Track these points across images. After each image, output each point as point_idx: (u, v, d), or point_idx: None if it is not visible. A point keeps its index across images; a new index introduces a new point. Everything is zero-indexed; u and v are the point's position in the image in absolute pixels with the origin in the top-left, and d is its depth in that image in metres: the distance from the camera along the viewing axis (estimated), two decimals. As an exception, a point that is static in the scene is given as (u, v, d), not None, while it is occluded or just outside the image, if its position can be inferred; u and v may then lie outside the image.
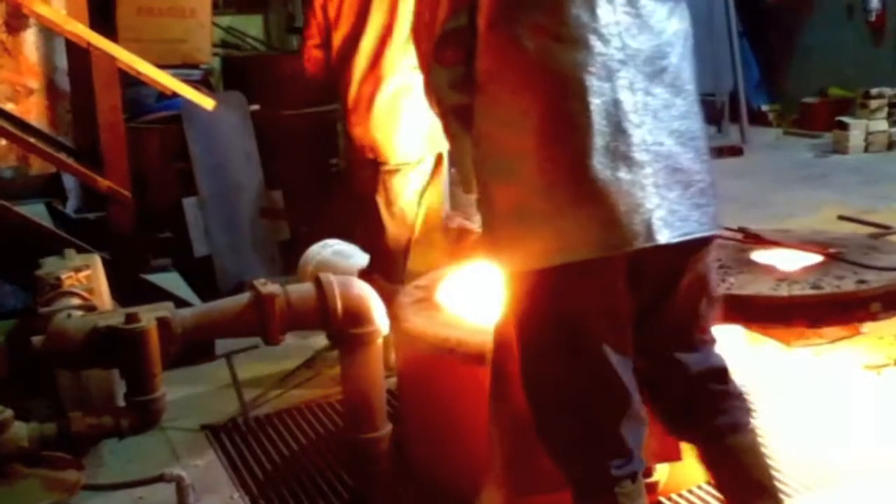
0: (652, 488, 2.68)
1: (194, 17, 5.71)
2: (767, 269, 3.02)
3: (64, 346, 2.43)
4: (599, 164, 1.93)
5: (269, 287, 2.59)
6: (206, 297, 3.98)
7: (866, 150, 8.22)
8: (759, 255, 3.18)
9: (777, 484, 2.30)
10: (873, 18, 8.90)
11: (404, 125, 3.54)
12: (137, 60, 4.08)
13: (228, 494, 3.05)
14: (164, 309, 2.53)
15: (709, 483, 2.59)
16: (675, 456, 2.45)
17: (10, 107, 4.63)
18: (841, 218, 3.96)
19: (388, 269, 3.70)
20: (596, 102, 1.94)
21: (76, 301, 2.83)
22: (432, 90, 2.24)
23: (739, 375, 3.07)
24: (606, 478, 2.07)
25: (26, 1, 4.01)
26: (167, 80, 4.21)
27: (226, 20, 7.24)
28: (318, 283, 2.64)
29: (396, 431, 2.86)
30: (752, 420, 2.24)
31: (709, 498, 2.87)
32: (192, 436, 3.45)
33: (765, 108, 9.71)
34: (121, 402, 2.58)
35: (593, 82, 1.94)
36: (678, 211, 1.99)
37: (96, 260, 3.30)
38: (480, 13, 2.05)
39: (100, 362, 2.51)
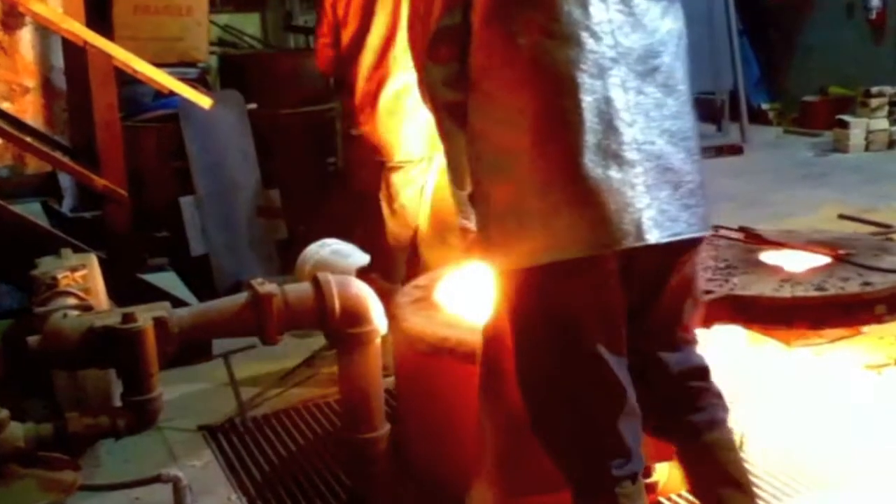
0: (652, 488, 2.68)
1: (191, 15, 5.69)
2: (773, 270, 3.00)
3: (60, 345, 2.42)
4: (591, 162, 1.93)
5: (267, 286, 2.58)
6: (203, 296, 3.97)
7: (867, 148, 8.20)
8: (767, 256, 3.16)
9: (774, 484, 2.30)
10: (874, 16, 8.90)
11: (407, 123, 3.56)
12: (134, 59, 4.07)
13: (226, 495, 3.04)
14: (161, 308, 2.53)
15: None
16: (673, 456, 2.44)
17: (6, 105, 4.62)
18: (841, 217, 3.95)
19: (387, 267, 3.70)
20: (588, 100, 1.94)
21: (72, 301, 2.82)
22: (426, 87, 2.24)
23: (739, 374, 3.08)
24: (606, 478, 2.07)
25: (22, -1, 4.01)
26: (164, 79, 4.20)
27: (223, 18, 7.22)
28: (316, 283, 2.63)
29: (395, 431, 2.85)
30: (729, 419, 2.26)
31: (708, 498, 2.87)
32: (190, 436, 3.44)
33: (765, 106, 9.70)
34: (117, 403, 2.57)
35: (585, 80, 1.95)
36: (668, 211, 1.99)
37: (92, 259, 3.29)
38: (474, 10, 2.06)
39: (96, 362, 2.51)
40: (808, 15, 9.45)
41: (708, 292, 2.76)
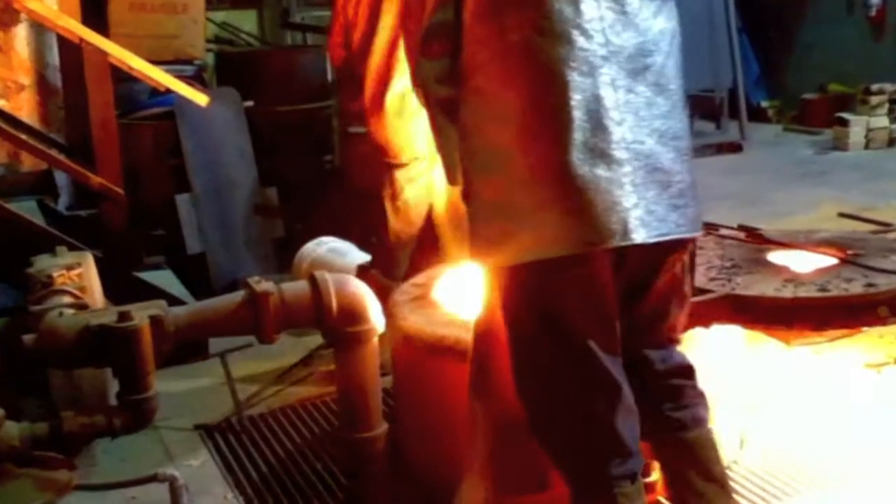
0: (651, 488, 2.67)
1: (187, 12, 5.68)
2: (778, 270, 2.99)
3: (56, 344, 2.40)
4: (578, 160, 1.94)
5: (264, 285, 2.56)
6: (199, 295, 3.97)
7: (866, 146, 8.19)
8: (775, 256, 3.14)
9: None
10: (873, 13, 8.88)
11: (412, 123, 3.56)
12: (130, 56, 4.06)
13: (222, 495, 3.03)
14: (157, 307, 2.51)
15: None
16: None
17: (1, 103, 4.59)
18: (841, 215, 3.93)
19: (388, 265, 3.71)
20: (577, 98, 1.95)
21: (68, 299, 2.80)
22: (419, 83, 2.25)
23: (739, 374, 3.07)
24: (605, 478, 2.08)
25: (18, -4, 3.99)
26: (160, 76, 4.19)
27: (219, 15, 7.21)
28: (313, 281, 2.62)
29: (392, 430, 2.84)
30: (710, 418, 2.27)
31: (708, 497, 2.85)
32: (186, 435, 3.42)
33: (764, 104, 9.70)
34: (113, 401, 2.55)
35: (575, 77, 1.95)
36: (655, 211, 2.00)
37: (88, 257, 3.27)
38: (466, 6, 2.07)
39: (92, 361, 2.50)
40: (807, 12, 9.44)
41: (707, 291, 2.75)
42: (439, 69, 2.14)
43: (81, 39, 3.92)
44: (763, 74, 9.72)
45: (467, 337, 2.64)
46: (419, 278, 3.25)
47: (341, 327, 2.62)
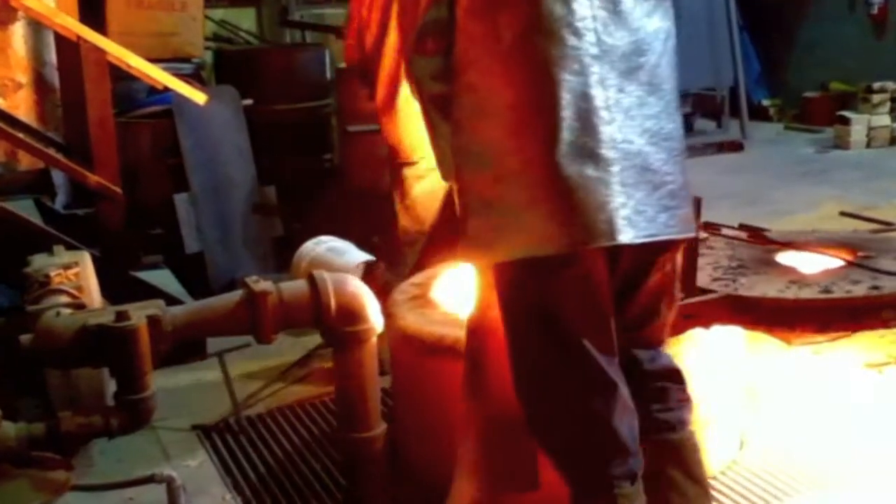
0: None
1: (185, 9, 5.66)
2: (785, 271, 2.96)
3: (53, 344, 2.39)
4: (566, 159, 1.94)
5: (262, 284, 2.55)
6: (197, 294, 3.96)
7: (868, 145, 8.18)
8: (783, 257, 3.11)
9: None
10: (875, 11, 8.87)
11: (421, 124, 3.59)
12: (128, 54, 4.05)
13: (220, 495, 3.03)
14: (155, 307, 2.50)
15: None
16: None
17: (-2, 101, 4.58)
18: (842, 214, 3.92)
19: (394, 261, 3.74)
20: (566, 97, 1.95)
21: (65, 299, 2.79)
22: (413, 80, 2.26)
23: (739, 374, 3.05)
24: (605, 478, 2.08)
25: (15, -7, 3.98)
26: (158, 74, 4.18)
27: (218, 13, 7.18)
28: (312, 281, 2.61)
29: (391, 431, 2.83)
30: (692, 422, 2.30)
31: (708, 498, 2.84)
32: (184, 435, 3.41)
33: (765, 102, 9.69)
34: (111, 401, 2.55)
35: (565, 76, 1.95)
36: (645, 211, 1.99)
37: (86, 257, 3.27)
38: (459, 3, 2.08)
39: (89, 361, 2.49)
40: (808, 10, 9.42)
41: (710, 291, 2.74)
42: (433, 66, 2.15)
43: (79, 37, 3.91)
44: (764, 73, 9.71)
45: (466, 337, 2.64)
46: (418, 278, 3.24)
47: (340, 327, 2.61)
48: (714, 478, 2.92)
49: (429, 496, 2.78)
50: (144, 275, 4.18)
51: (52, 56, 4.81)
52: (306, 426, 3.46)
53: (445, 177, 2.30)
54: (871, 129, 8.19)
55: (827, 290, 2.74)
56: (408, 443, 3.00)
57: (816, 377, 3.56)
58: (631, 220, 1.96)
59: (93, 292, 3.07)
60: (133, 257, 4.34)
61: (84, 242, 3.75)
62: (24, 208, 4.11)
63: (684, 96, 8.15)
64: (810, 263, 3.01)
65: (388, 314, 2.87)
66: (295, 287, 2.62)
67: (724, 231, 3.31)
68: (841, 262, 2.98)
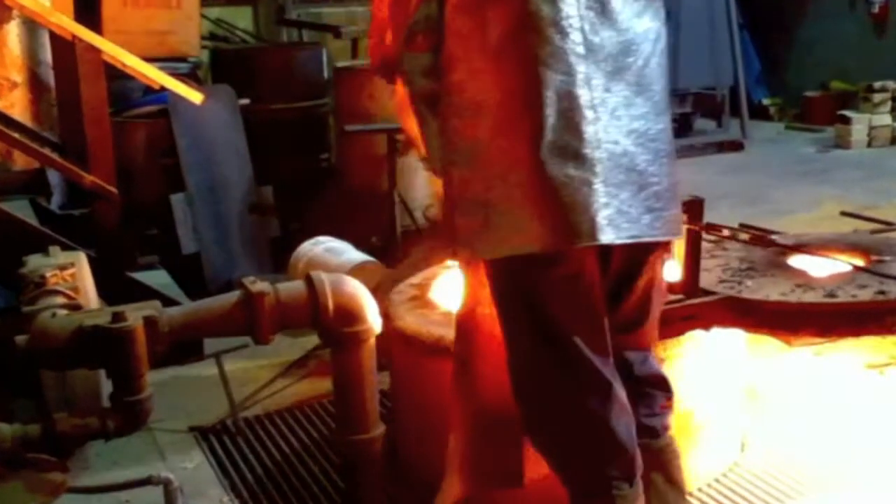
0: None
1: (181, 8, 5.65)
2: (794, 274, 2.93)
3: (48, 345, 2.38)
4: (548, 157, 1.93)
5: (259, 285, 2.54)
6: (194, 295, 3.94)
7: (869, 144, 8.18)
8: (795, 260, 3.07)
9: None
10: (876, 10, 8.87)
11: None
12: (123, 53, 4.03)
13: (218, 497, 3.01)
14: (151, 307, 2.48)
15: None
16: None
17: (-7, 101, 4.57)
18: (843, 214, 3.91)
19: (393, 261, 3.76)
20: (550, 96, 1.94)
21: (61, 300, 2.78)
22: (404, 76, 2.26)
23: (740, 375, 3.04)
24: (603, 479, 2.07)
25: (10, -8, 3.95)
26: (154, 74, 4.16)
27: (214, 12, 7.16)
28: (309, 281, 2.59)
29: (389, 432, 2.81)
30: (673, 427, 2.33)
31: (707, 499, 2.84)
32: (181, 437, 3.40)
33: (766, 102, 9.70)
34: (107, 403, 2.53)
35: (549, 75, 1.95)
36: (628, 213, 1.98)
37: (81, 257, 3.25)
38: (448, 0, 2.07)
39: (85, 362, 2.46)
40: (809, 8, 9.42)
41: (712, 293, 2.72)
42: (424, 63, 2.15)
43: (74, 36, 3.89)
44: (764, 72, 9.71)
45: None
46: (416, 278, 3.23)
47: (338, 328, 2.60)
48: (716, 480, 2.92)
49: (428, 496, 2.77)
50: (141, 275, 4.17)
51: (47, 55, 4.79)
52: (304, 427, 3.45)
53: (436, 172, 2.29)
54: (871, 128, 8.19)
55: (832, 294, 2.71)
56: (407, 444, 2.99)
57: (818, 378, 3.55)
58: (613, 220, 1.95)
59: (89, 293, 3.06)
60: (129, 258, 4.33)
61: (80, 243, 3.73)
62: (19, 208, 4.10)
63: (684, 96, 8.17)
64: (822, 267, 2.97)
65: (386, 315, 2.86)
66: (292, 288, 2.61)
67: (740, 235, 3.29)
68: (851, 267, 2.95)
